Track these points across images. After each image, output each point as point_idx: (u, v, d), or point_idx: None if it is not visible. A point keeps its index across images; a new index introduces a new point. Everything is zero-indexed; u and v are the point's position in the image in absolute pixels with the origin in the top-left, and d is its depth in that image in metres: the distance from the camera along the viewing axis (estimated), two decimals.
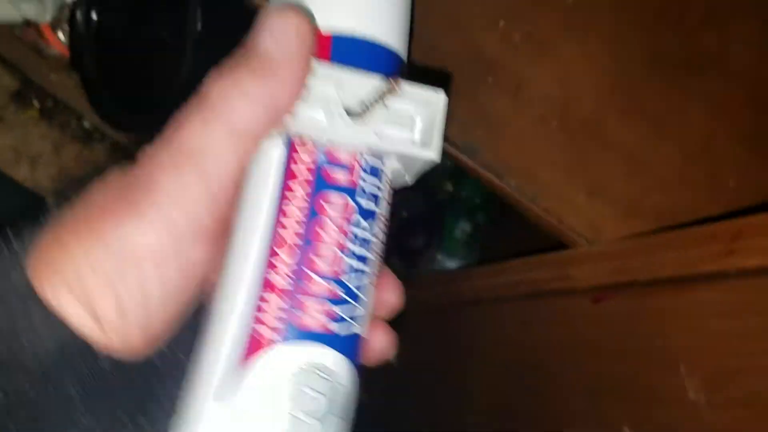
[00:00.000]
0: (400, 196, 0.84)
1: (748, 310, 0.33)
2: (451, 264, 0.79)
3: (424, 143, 0.24)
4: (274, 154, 0.22)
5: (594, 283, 0.42)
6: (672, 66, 0.45)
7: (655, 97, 0.44)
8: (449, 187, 0.82)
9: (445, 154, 0.43)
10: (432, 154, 0.24)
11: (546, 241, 0.46)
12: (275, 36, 0.22)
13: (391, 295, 0.27)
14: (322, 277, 0.22)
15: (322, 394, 0.21)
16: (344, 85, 0.22)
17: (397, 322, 0.29)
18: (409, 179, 0.26)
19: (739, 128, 0.45)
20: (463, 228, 0.79)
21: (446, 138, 0.43)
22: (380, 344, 0.26)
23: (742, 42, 0.47)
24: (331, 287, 0.22)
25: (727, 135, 0.45)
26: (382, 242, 0.25)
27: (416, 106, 0.24)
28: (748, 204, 0.44)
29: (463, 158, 0.43)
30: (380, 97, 0.23)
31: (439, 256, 0.79)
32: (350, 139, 0.23)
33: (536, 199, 0.44)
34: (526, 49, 0.43)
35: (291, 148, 0.22)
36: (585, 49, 0.43)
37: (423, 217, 0.82)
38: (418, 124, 0.24)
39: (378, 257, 0.24)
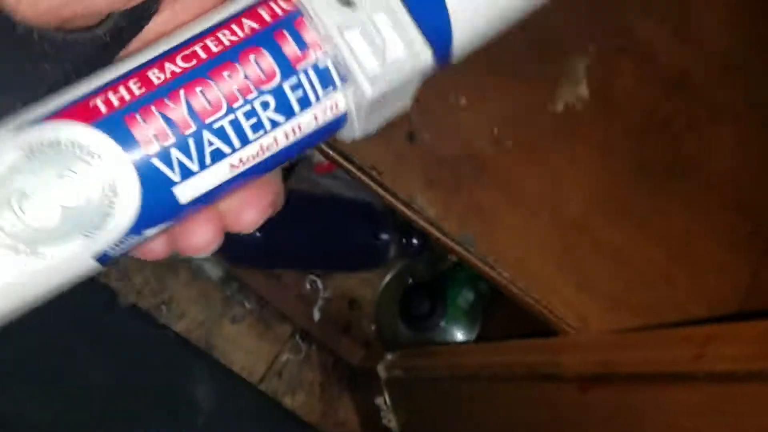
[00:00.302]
0: (408, 263, 0.87)
1: (715, 411, 0.36)
2: (455, 331, 0.82)
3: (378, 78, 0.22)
4: None
5: (581, 371, 0.45)
6: (656, 171, 0.49)
7: (640, 199, 0.48)
8: (453, 257, 0.86)
9: (443, 244, 0.47)
10: (370, 90, 0.22)
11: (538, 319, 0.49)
12: None
13: (247, 211, 0.24)
14: (190, 112, 0.20)
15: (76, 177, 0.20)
16: None
17: (398, 386, 0.27)
18: (357, 128, 0.24)
19: (718, 229, 0.49)
20: (466, 297, 0.82)
21: (444, 231, 0.47)
22: (200, 237, 0.24)
23: (721, 147, 0.50)
24: (187, 125, 0.21)
25: (707, 236, 0.49)
26: (277, 157, 0.23)
27: (404, 47, 0.22)
28: (724, 301, 0.48)
29: (460, 250, 0.47)
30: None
31: (443, 324, 0.82)
32: (329, 27, 0.21)
33: (528, 290, 0.47)
34: (518, 153, 0.47)
35: None
36: (573, 154, 0.48)
37: (428, 285, 0.85)
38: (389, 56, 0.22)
39: (260, 162, 0.22)
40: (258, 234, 0.85)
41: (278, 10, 0.22)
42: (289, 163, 0.50)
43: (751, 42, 0.54)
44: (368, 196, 0.85)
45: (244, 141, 0.21)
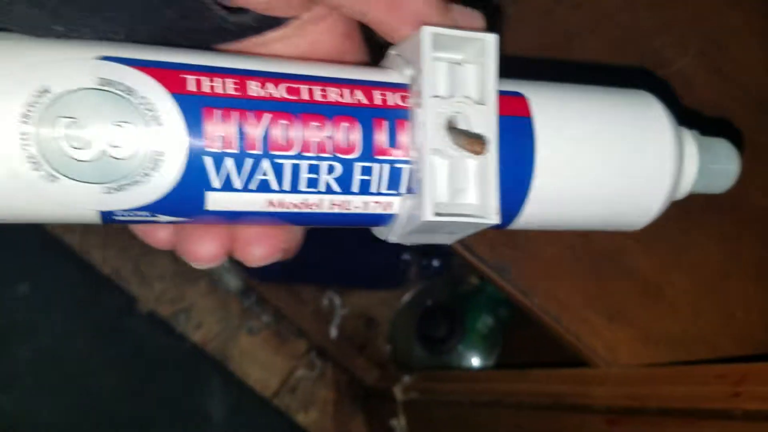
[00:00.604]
0: (427, 285, 0.88)
1: None
2: (472, 356, 0.81)
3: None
4: (418, 41, 0.22)
5: (610, 404, 0.45)
6: (693, 205, 0.49)
7: (675, 232, 0.48)
8: (474, 280, 0.86)
9: (475, 268, 0.47)
10: (429, 216, 0.22)
11: (564, 347, 0.49)
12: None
13: (258, 247, 0.24)
14: (264, 136, 0.21)
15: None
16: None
17: (415, 409, 0.27)
18: (395, 234, 0.25)
19: (751, 266, 0.49)
20: (485, 322, 0.82)
21: (478, 255, 0.47)
22: (203, 248, 0.24)
23: (759, 184, 0.50)
24: (254, 145, 0.21)
25: (739, 272, 0.49)
26: (311, 217, 0.23)
27: (478, 201, 0.23)
28: (753, 338, 0.47)
29: (493, 275, 0.47)
30: (467, 144, 0.22)
31: (460, 347, 0.82)
32: (425, 145, 0.22)
33: (559, 319, 0.47)
34: None
35: (408, 87, 0.23)
36: None
37: (447, 308, 0.85)
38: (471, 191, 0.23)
39: (294, 213, 0.23)
40: None
41: (390, 101, 0.22)
42: None
43: None
44: None
45: (294, 188, 0.22)
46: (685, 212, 0.49)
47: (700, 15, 0.52)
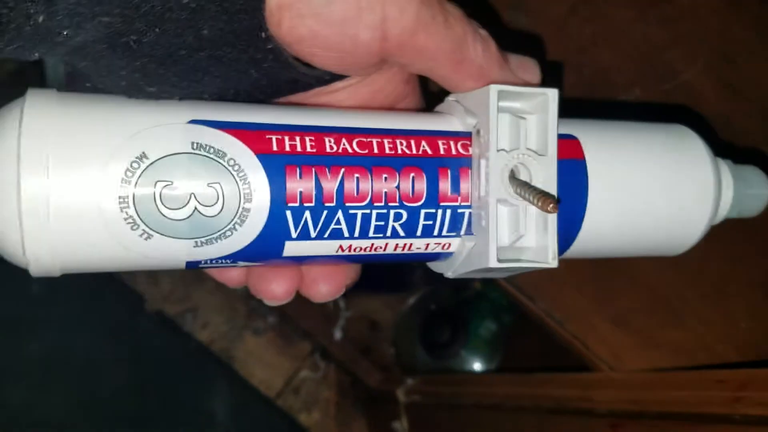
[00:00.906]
0: (431, 289, 0.89)
1: None
2: (475, 361, 0.82)
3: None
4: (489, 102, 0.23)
5: (613, 408, 0.46)
6: None
7: None
8: (478, 285, 0.87)
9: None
10: (493, 261, 0.23)
11: (566, 353, 0.50)
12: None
13: (324, 285, 0.26)
14: (339, 189, 0.22)
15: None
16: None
17: (417, 412, 0.28)
18: (452, 271, 0.26)
19: (755, 277, 0.50)
20: (488, 327, 0.83)
21: None
22: (276, 287, 0.26)
23: None
24: (330, 198, 0.22)
25: (743, 282, 0.50)
26: (376, 258, 0.24)
27: (536, 245, 0.24)
28: (755, 347, 0.48)
29: (500, 280, 0.48)
30: (537, 201, 0.23)
31: (463, 352, 0.83)
32: (488, 195, 0.23)
33: (563, 323, 0.48)
34: None
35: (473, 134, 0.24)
36: None
37: (450, 313, 0.86)
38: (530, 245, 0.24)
39: (361, 255, 0.24)
40: None
41: (453, 150, 0.24)
42: None
43: None
44: None
45: (363, 235, 0.23)
46: None
47: (710, 29, 0.53)
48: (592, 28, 0.49)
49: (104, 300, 0.85)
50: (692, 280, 0.49)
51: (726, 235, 0.51)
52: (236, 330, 0.87)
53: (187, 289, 0.86)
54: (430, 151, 0.24)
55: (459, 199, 0.24)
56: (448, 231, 0.24)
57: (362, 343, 0.89)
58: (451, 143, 0.24)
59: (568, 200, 0.25)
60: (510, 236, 0.24)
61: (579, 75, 0.49)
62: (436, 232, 0.24)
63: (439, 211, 0.24)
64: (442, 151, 0.24)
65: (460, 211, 0.24)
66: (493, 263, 0.23)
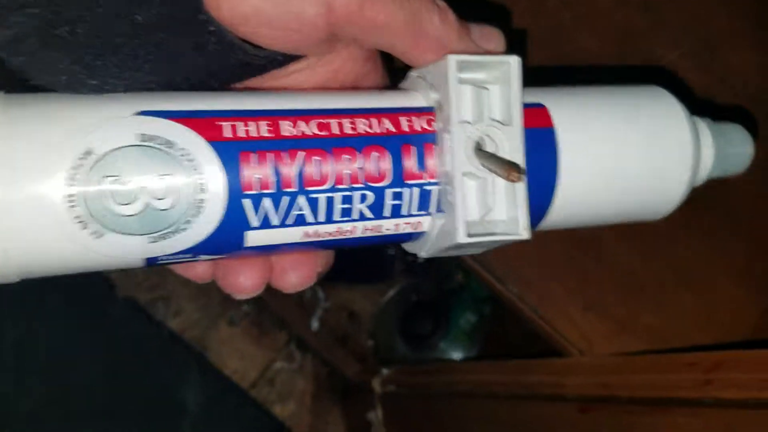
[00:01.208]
0: (412, 281, 0.87)
1: None
2: (454, 352, 0.81)
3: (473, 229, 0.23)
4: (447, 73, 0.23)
5: (583, 393, 0.45)
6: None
7: (658, 226, 0.48)
8: (459, 277, 0.85)
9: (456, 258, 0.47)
10: (462, 236, 0.23)
11: (542, 341, 0.49)
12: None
13: (293, 274, 0.25)
14: (299, 174, 0.21)
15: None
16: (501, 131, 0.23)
17: (392, 402, 0.28)
18: (425, 250, 0.25)
19: (734, 264, 0.48)
20: (468, 318, 0.82)
21: None
22: (244, 280, 0.25)
23: (746, 182, 0.50)
24: (290, 184, 0.21)
25: (722, 269, 0.48)
26: (344, 242, 0.23)
27: (507, 217, 0.23)
28: (731, 335, 0.47)
29: (472, 264, 0.47)
30: (502, 171, 0.22)
31: (443, 344, 0.81)
32: (454, 168, 0.22)
33: (536, 308, 0.47)
34: None
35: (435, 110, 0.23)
36: None
37: (431, 304, 0.85)
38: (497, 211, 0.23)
39: (328, 241, 0.23)
40: None
41: (418, 127, 0.23)
42: None
43: None
44: None
45: (329, 219, 0.22)
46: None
47: (694, 17, 0.52)
48: (572, 11, 0.48)
49: (74, 287, 0.83)
50: (670, 267, 0.48)
51: (704, 221, 0.50)
52: (210, 318, 0.85)
53: (159, 277, 0.84)
54: (393, 129, 0.23)
55: (425, 176, 0.23)
56: (417, 210, 0.23)
57: (340, 333, 0.88)
58: (415, 119, 0.23)
59: (538, 169, 0.24)
60: (480, 210, 0.23)
61: (558, 55, 0.48)
62: (404, 212, 0.23)
63: (406, 190, 0.23)
64: (405, 128, 0.23)
65: (427, 188, 0.23)
66: (462, 239, 0.22)
